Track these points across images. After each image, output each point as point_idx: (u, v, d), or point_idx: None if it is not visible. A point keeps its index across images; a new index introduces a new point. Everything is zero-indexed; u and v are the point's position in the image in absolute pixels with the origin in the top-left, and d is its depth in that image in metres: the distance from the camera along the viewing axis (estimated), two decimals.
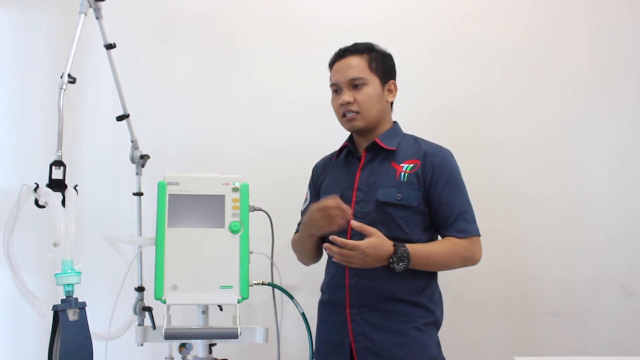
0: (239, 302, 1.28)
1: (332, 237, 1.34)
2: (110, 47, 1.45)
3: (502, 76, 2.21)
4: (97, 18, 1.39)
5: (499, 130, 2.18)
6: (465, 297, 2.10)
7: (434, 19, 2.23)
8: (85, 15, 1.28)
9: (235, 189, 1.35)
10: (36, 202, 1.10)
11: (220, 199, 1.34)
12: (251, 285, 1.31)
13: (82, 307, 1.05)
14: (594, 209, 2.15)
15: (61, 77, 1.17)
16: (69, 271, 1.04)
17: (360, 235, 1.37)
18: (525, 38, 2.22)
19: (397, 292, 1.45)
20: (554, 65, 2.21)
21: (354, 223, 1.36)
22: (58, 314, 1.03)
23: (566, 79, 2.20)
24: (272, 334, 1.40)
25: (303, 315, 1.43)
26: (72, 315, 1.03)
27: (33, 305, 1.10)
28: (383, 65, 1.54)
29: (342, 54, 1.54)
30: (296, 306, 1.43)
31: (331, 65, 1.57)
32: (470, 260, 1.48)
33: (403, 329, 1.44)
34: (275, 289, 1.45)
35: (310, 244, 1.56)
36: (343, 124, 1.55)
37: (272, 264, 1.48)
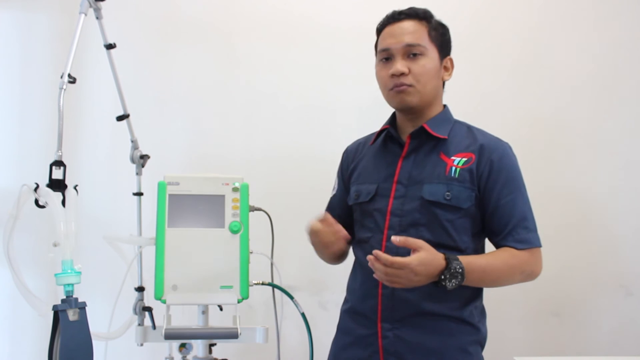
0: (239, 302, 1.28)
1: (375, 252, 1.11)
2: (110, 47, 1.45)
3: (504, 78, 2.20)
4: (97, 18, 1.39)
5: (500, 132, 2.17)
6: None
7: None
8: (86, 15, 1.28)
9: (235, 189, 1.35)
10: (36, 202, 1.10)
11: (220, 199, 1.34)
12: (251, 285, 1.32)
13: (82, 307, 1.05)
14: (594, 209, 2.15)
15: (61, 77, 1.17)
16: (69, 271, 1.03)
17: (396, 249, 1.18)
18: (527, 39, 2.22)
19: (439, 305, 1.24)
20: (557, 66, 2.20)
21: (395, 238, 1.13)
22: (58, 314, 1.03)
23: (569, 80, 2.20)
24: (272, 334, 1.40)
25: (303, 315, 1.43)
26: (72, 315, 1.03)
27: (33, 305, 1.10)
28: (443, 37, 1.32)
29: (396, 16, 1.31)
30: (296, 306, 1.43)
31: (380, 29, 1.35)
32: (530, 275, 1.27)
33: (444, 349, 1.24)
34: (275, 289, 1.45)
35: (327, 254, 1.38)
36: (390, 99, 1.32)
37: (272, 264, 1.48)
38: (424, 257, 1.12)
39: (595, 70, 2.20)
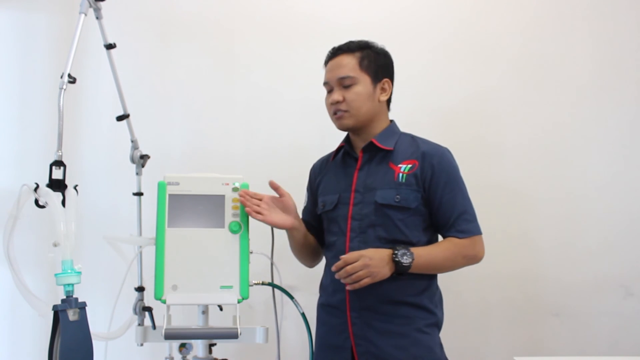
0: (239, 302, 1.28)
1: (335, 265, 1.35)
2: (110, 47, 1.45)
3: (503, 77, 2.20)
4: (97, 18, 1.39)
5: (500, 131, 2.18)
6: (465, 297, 2.10)
7: (434, 19, 2.23)
8: (85, 15, 1.28)
9: (235, 189, 1.36)
10: (36, 202, 1.10)
11: (220, 199, 1.35)
12: (251, 285, 1.32)
13: (82, 307, 1.05)
14: (595, 209, 2.15)
15: (61, 77, 1.17)
16: (69, 271, 1.04)
17: (358, 248, 1.41)
18: (526, 38, 2.22)
19: (398, 293, 1.42)
20: (555, 65, 2.20)
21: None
22: (58, 314, 1.03)
23: (567, 79, 2.20)
24: (272, 334, 1.40)
25: (303, 315, 1.43)
26: (72, 315, 1.03)
27: (33, 305, 1.10)
28: (375, 64, 1.51)
29: (334, 52, 1.53)
30: (296, 306, 1.43)
31: (325, 63, 1.56)
32: (473, 259, 1.46)
33: (405, 331, 1.41)
34: (275, 289, 1.45)
35: (292, 242, 1.57)
36: (334, 122, 1.54)
37: (272, 264, 1.48)
38: (367, 250, 1.36)
39: (594, 69, 2.20)
